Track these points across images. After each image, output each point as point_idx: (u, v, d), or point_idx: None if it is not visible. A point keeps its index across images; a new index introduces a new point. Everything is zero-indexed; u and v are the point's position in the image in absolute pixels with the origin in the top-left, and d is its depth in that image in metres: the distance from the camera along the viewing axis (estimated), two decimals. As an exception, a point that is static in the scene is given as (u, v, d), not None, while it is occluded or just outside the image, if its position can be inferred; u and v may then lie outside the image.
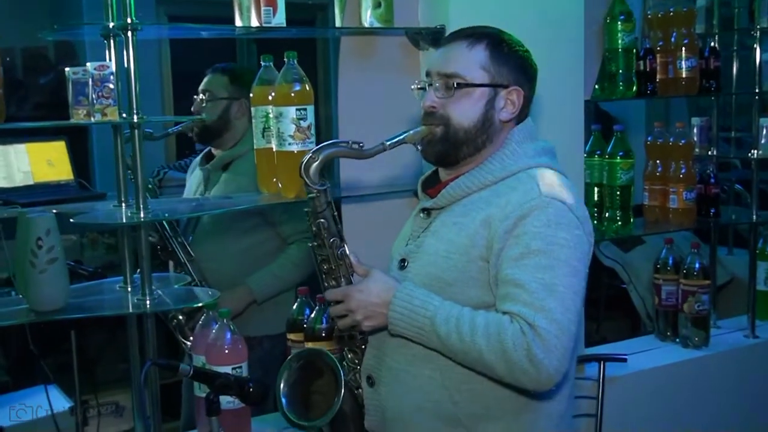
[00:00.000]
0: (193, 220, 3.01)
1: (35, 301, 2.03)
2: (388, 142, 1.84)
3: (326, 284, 1.89)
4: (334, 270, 1.87)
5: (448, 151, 1.86)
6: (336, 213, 1.88)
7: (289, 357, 1.97)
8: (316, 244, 1.87)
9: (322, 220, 1.84)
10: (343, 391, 1.81)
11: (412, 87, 1.94)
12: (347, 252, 1.87)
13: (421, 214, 1.93)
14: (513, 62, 1.86)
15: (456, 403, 1.80)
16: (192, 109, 3.04)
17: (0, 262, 3.76)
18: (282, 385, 1.87)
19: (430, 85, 1.87)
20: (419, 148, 1.89)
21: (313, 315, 2.25)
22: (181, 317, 2.67)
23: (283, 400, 1.86)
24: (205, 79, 3.05)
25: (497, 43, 1.86)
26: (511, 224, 1.73)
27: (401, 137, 1.85)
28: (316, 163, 1.80)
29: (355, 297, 1.80)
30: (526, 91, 1.88)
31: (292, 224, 2.92)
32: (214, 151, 3.08)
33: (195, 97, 3.03)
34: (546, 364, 1.63)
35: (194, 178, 3.14)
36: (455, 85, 1.83)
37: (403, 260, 1.90)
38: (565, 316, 1.67)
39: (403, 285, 1.79)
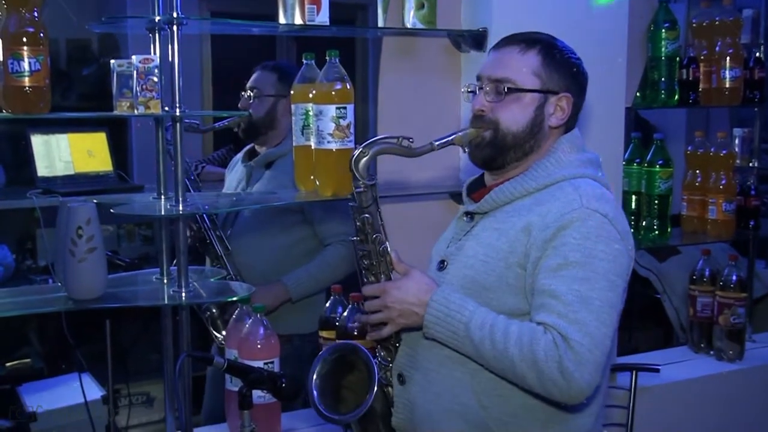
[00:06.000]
0: (232, 213, 3.02)
1: (73, 289, 2.05)
2: (437, 143, 1.83)
3: (365, 280, 1.89)
4: (374, 266, 1.86)
5: (496, 155, 1.85)
6: (380, 209, 1.88)
7: (324, 349, 1.96)
8: (358, 239, 1.87)
9: (366, 216, 1.84)
10: (375, 388, 1.81)
11: (462, 89, 1.95)
12: (389, 249, 1.87)
13: (465, 218, 1.93)
14: (564, 69, 1.85)
15: (485, 407, 1.79)
16: (239, 105, 3.05)
17: (40, 250, 3.85)
18: (314, 377, 1.87)
19: (481, 88, 1.86)
20: (466, 150, 1.88)
21: (345, 313, 2.26)
22: (214, 310, 2.69)
23: (314, 392, 1.85)
24: (253, 76, 3.05)
25: (550, 49, 1.85)
26: (551, 234, 1.72)
27: (450, 138, 1.84)
28: (366, 157, 1.80)
29: (393, 294, 1.80)
30: (576, 98, 1.87)
31: (330, 225, 2.92)
32: (258, 148, 3.08)
33: (243, 93, 3.04)
34: (577, 377, 1.62)
35: (235, 173, 3.15)
36: (506, 90, 1.82)
37: (442, 261, 1.90)
38: (600, 330, 1.65)
39: (440, 288, 1.78)
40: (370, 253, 1.86)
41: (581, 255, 1.69)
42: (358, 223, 1.86)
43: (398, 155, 1.85)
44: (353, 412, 1.83)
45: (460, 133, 1.85)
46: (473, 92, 1.90)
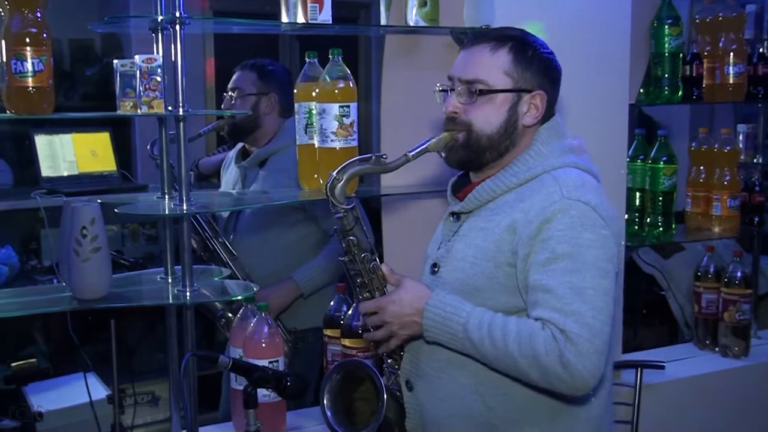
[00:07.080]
0: (232, 219, 3.02)
1: (78, 289, 2.06)
2: (411, 153, 1.82)
3: (360, 297, 1.90)
4: (367, 283, 1.87)
5: (471, 157, 1.84)
6: (365, 228, 1.89)
7: (329, 370, 1.97)
8: (347, 259, 1.87)
9: (351, 238, 1.84)
10: (385, 399, 1.81)
11: (434, 89, 1.91)
12: (379, 264, 1.87)
13: (451, 218, 1.92)
14: (537, 66, 1.82)
15: (490, 408, 1.79)
16: (222, 106, 3.04)
17: (44, 250, 3.86)
18: (325, 399, 1.87)
19: (452, 89, 1.85)
20: (443, 155, 1.87)
21: (350, 311, 2.26)
22: (230, 315, 2.68)
23: (328, 413, 1.85)
24: (234, 77, 3.03)
25: (521, 47, 1.82)
26: (535, 229, 1.71)
27: (424, 146, 1.83)
28: (341, 183, 1.80)
29: (389, 309, 1.80)
30: (550, 94, 1.85)
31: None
32: (248, 147, 3.07)
33: (224, 95, 3.03)
34: (579, 369, 1.62)
35: (230, 175, 3.14)
36: (478, 91, 1.80)
37: (435, 264, 1.90)
38: (597, 319, 1.65)
39: (435, 293, 1.79)
40: (360, 272, 1.87)
41: (568, 246, 1.68)
42: (344, 245, 1.86)
43: (374, 173, 1.84)
44: (365, 429, 1.83)
45: (434, 140, 1.83)
46: (445, 91, 1.88)
